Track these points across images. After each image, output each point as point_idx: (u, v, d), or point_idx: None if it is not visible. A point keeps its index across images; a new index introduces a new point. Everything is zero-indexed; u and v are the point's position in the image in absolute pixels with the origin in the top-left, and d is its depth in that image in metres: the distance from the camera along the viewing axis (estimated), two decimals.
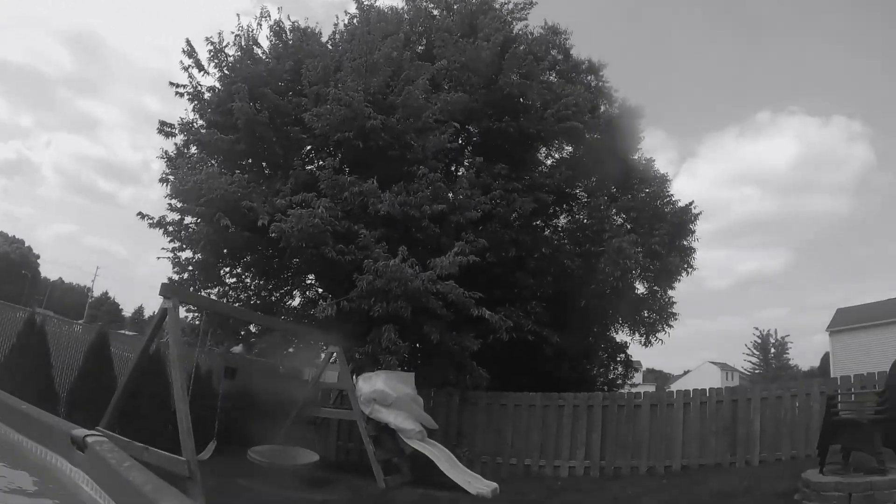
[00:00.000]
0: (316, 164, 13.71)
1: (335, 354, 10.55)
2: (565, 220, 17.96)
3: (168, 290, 7.86)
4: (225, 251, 13.14)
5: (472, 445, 11.74)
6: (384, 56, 12.95)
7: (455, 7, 17.27)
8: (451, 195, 12.93)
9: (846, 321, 38.27)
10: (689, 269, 17.51)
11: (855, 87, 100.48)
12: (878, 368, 10.41)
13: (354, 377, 10.74)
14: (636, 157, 17.96)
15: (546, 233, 16.77)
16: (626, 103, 18.06)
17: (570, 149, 17.58)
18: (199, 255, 13.17)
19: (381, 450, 9.87)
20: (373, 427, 9.94)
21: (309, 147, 14.32)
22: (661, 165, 41.06)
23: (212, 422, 8.06)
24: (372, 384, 10.12)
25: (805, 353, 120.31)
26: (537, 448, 11.40)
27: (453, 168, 16.04)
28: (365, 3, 16.68)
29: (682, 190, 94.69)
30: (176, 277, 13.32)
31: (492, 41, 14.50)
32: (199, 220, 12.23)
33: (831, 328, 38.64)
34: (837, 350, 37.12)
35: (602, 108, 17.84)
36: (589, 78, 18.50)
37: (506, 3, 17.48)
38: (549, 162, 17.67)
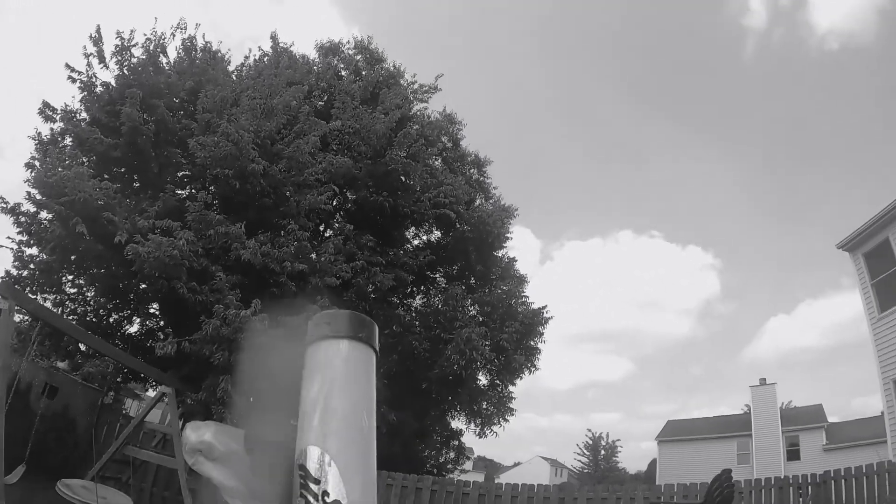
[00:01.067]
0: (188, 193, 13.49)
1: (166, 396, 10.22)
2: (420, 302, 18.50)
3: (7, 289, 7.35)
4: (73, 258, 12.49)
5: None
6: (283, 103, 13.14)
7: (363, 73, 17.92)
8: (314, 256, 13.06)
9: (674, 432, 42.03)
10: (533, 369, 18.53)
11: (713, 223, 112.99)
12: (700, 479, 11.63)
13: (182, 423, 10.40)
14: (500, 255, 19.01)
15: (399, 311, 17.17)
16: (501, 201, 19.21)
17: (438, 234, 18.30)
18: (44, 256, 12.41)
19: None
20: (194, 480, 9.58)
21: (185, 173, 14.09)
22: (523, 264, 43.32)
23: (24, 443, 7.55)
24: (200, 434, 9.82)
25: (634, 458, 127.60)
26: None
27: (322, 228, 16.26)
28: (280, 45, 16.98)
29: (538, 290, 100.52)
30: (14, 273, 12.47)
31: (389, 116, 15.09)
32: (54, 219, 11.56)
33: (660, 437, 42.40)
34: (664, 458, 41.02)
35: (478, 201, 18.87)
36: (472, 171, 19.69)
37: (412, 83, 18.38)
38: (416, 242, 18.33)
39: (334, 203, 15.53)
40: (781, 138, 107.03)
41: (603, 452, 67.60)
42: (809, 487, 12.48)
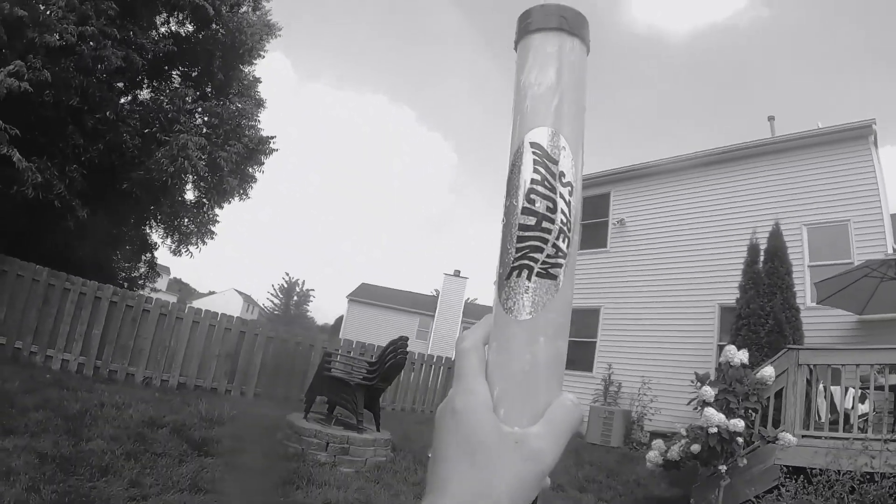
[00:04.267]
0: None
1: None
2: (148, 95, 17.37)
3: None
4: None
5: None
6: None
7: None
8: (41, 7, 11.67)
9: (366, 295, 46.46)
10: (245, 197, 18.75)
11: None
12: (379, 342, 13.34)
13: None
14: (247, 70, 18.48)
15: (122, 101, 15.99)
16: (268, 17, 18.38)
17: (191, 28, 17.12)
18: None
19: None
20: None
21: None
22: (270, 91, 42.54)
23: None
24: None
25: (324, 310, 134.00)
26: (31, 331, 10.63)
27: None
28: None
29: (274, 120, 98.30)
30: None
31: None
32: None
33: (351, 296, 46.13)
34: (352, 316, 45.82)
35: (244, 7, 17.84)
36: None
37: None
38: (163, 29, 16.94)
39: None
40: None
41: (296, 298, 70.31)
42: None
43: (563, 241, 0.55)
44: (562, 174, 0.56)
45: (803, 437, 7.98)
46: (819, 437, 7.96)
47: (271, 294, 71.01)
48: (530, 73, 0.59)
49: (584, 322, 17.70)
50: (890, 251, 13.12)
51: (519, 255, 0.55)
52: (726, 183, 16.23)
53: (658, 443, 8.37)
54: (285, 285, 70.73)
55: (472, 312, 44.68)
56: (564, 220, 0.55)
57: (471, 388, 0.54)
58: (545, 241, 0.54)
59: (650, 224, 17.41)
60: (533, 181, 0.55)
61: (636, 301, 16.91)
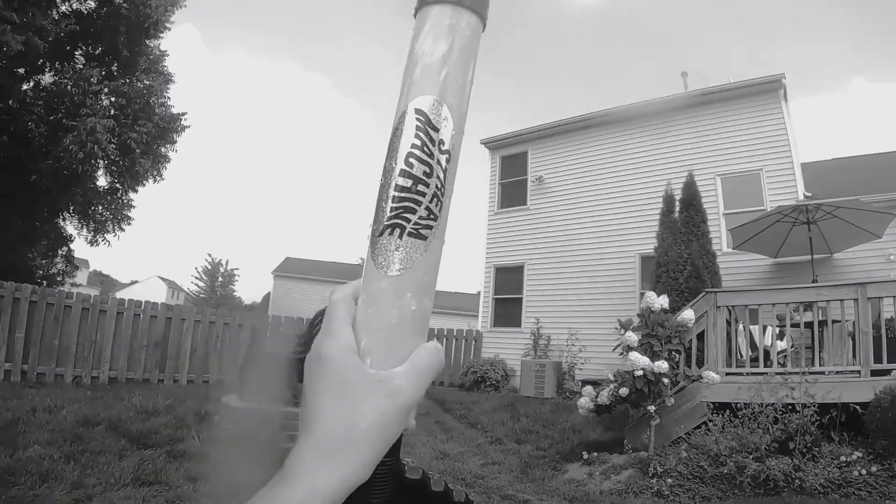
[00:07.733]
0: None
1: None
2: (51, 80, 16.46)
3: None
4: None
5: None
6: None
7: None
8: None
9: (290, 269, 46.12)
10: (159, 178, 18.15)
11: None
12: (308, 316, 13.18)
13: None
14: (153, 45, 17.77)
15: (25, 87, 15.11)
16: None
17: (93, 4, 16.22)
18: None
19: None
20: None
21: None
22: (179, 64, 41.73)
23: None
24: None
25: (252, 288, 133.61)
26: None
27: None
28: None
29: (185, 96, 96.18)
30: None
31: None
32: None
33: (276, 272, 45.70)
34: (278, 292, 44.73)
35: None
36: None
37: None
38: (63, 7, 15.98)
39: None
40: None
41: (221, 279, 68.90)
42: None
43: (436, 205, 0.58)
44: (441, 142, 0.59)
45: (727, 374, 8.28)
46: (741, 374, 8.29)
47: (195, 277, 69.45)
48: (424, 42, 0.60)
49: (510, 279, 17.94)
50: (801, 197, 13.65)
51: (393, 214, 0.57)
52: (642, 138, 16.46)
53: (588, 389, 8.53)
54: (209, 267, 69.13)
55: None
56: (439, 186, 0.58)
57: (336, 334, 0.55)
58: (419, 203, 0.57)
59: (568, 180, 17.56)
60: (413, 146, 0.58)
61: (559, 255, 17.10)
